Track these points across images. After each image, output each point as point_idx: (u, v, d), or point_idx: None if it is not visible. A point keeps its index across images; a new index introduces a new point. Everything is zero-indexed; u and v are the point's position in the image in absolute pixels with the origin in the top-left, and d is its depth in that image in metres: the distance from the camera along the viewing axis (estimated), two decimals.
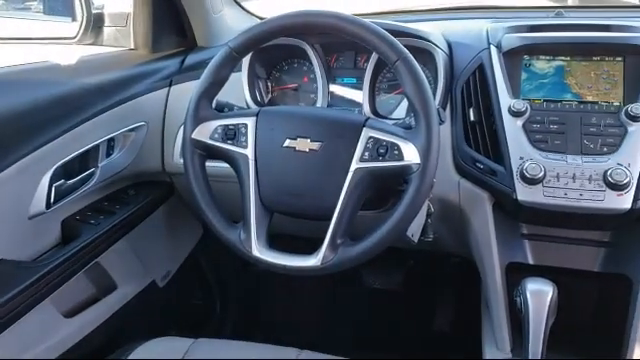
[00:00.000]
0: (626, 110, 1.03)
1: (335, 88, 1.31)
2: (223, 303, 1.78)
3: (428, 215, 1.08)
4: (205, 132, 1.02)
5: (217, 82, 1.02)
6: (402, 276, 1.77)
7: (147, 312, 1.49)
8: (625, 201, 0.98)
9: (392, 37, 0.93)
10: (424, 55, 1.19)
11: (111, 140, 1.29)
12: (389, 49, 0.92)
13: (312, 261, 0.93)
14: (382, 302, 1.81)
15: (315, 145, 0.95)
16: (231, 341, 1.09)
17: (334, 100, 1.31)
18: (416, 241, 1.06)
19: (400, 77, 0.92)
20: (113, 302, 1.32)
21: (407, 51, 0.93)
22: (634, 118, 1.02)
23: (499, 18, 1.39)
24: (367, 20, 0.95)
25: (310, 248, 0.95)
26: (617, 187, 0.98)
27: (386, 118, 1.23)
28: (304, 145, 0.96)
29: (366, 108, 1.23)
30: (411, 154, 0.90)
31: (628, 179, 0.98)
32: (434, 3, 1.70)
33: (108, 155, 1.29)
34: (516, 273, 1.01)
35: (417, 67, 0.92)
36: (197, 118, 1.02)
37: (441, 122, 1.07)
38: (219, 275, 1.77)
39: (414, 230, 1.06)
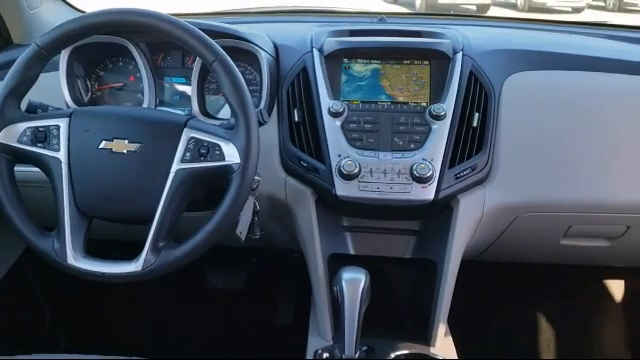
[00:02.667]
0: (429, 110, 1.14)
1: (164, 87, 1.29)
2: (54, 316, 1.67)
3: (255, 213, 1.10)
4: (12, 135, 0.95)
5: (24, 82, 0.96)
6: (246, 275, 1.79)
7: None
8: (429, 193, 1.09)
9: (208, 38, 0.93)
10: (250, 57, 1.21)
11: None
12: (205, 50, 0.93)
13: (132, 266, 0.91)
14: (226, 302, 1.81)
15: (133, 146, 0.93)
16: (53, 355, 1.03)
17: (164, 100, 1.29)
18: (243, 239, 1.08)
19: (218, 78, 0.93)
20: None
21: (224, 52, 0.94)
22: (436, 117, 1.13)
23: (328, 22, 1.46)
24: (184, 20, 0.95)
25: (136, 253, 0.93)
26: (422, 180, 1.08)
27: (215, 118, 1.24)
28: (121, 147, 0.93)
29: (195, 108, 1.22)
30: (232, 154, 0.92)
31: (431, 172, 1.08)
32: (267, 5, 1.73)
33: None
34: (338, 264, 1.07)
35: (234, 68, 0.93)
36: (3, 120, 0.95)
37: (263, 122, 1.10)
38: (48, 286, 1.66)
39: (242, 228, 1.08)
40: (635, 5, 11.78)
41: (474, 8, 11.54)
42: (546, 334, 1.76)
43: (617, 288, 1.76)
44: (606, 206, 1.18)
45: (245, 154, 0.91)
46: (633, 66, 1.26)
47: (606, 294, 1.77)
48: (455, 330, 1.13)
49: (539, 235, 1.27)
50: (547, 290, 1.77)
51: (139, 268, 0.91)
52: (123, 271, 0.92)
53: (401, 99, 1.19)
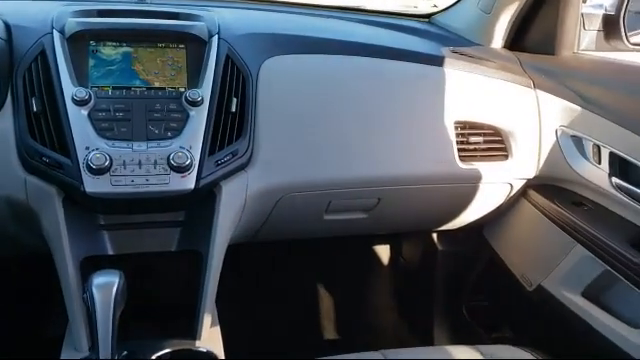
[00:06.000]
0: (186, 96, 1.09)
1: None
2: None
3: None
4: None
5: None
6: (4, 287, 1.59)
7: None
8: (189, 182, 1.05)
9: None
10: None
11: None
12: None
13: None
14: None
15: None
16: None
17: None
18: None
19: None
20: None
21: None
22: (193, 103, 1.09)
23: (78, 1, 1.32)
24: None
25: None
26: (180, 169, 1.03)
27: None
28: None
29: None
30: None
31: (190, 161, 1.04)
32: None
33: None
34: (94, 267, 0.98)
35: None
36: None
37: None
38: None
39: None
40: None
41: None
42: (325, 303, 1.87)
43: (384, 252, 1.93)
44: (359, 182, 1.27)
45: None
46: (385, 51, 1.35)
47: (375, 259, 1.93)
48: (225, 319, 1.12)
49: (304, 213, 1.32)
50: (320, 263, 1.87)
51: None
52: None
53: (157, 84, 1.13)
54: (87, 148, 1.01)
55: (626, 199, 1.17)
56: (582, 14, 1.45)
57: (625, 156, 1.16)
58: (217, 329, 1.09)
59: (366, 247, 1.91)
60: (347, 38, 1.38)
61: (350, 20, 1.63)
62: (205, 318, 1.05)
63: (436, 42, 1.51)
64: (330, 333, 1.84)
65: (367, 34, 1.50)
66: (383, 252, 1.94)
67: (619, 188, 1.19)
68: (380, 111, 1.28)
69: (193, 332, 1.05)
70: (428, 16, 1.76)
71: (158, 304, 1.12)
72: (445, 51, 1.43)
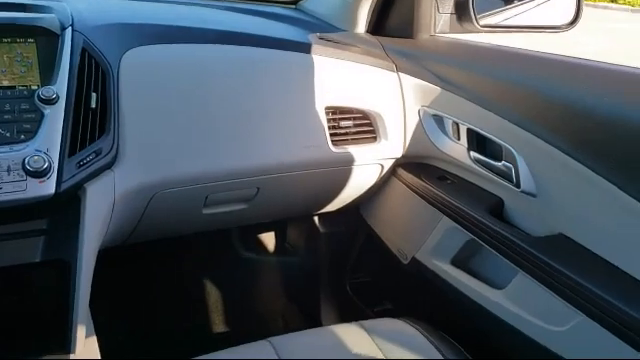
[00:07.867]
0: (38, 94, 1.02)
1: None
2: None
3: None
4: None
5: None
6: None
7: None
8: (48, 187, 0.97)
9: None
10: None
11: None
12: None
13: None
14: None
15: None
16: None
17: None
18: None
19: None
20: None
21: None
22: (47, 101, 1.01)
23: None
24: None
25: None
26: (38, 174, 0.96)
27: None
28: None
29: None
30: None
31: (48, 164, 0.97)
32: None
33: None
34: None
35: None
36: None
37: None
38: None
39: None
40: None
41: None
42: (212, 297, 1.85)
43: (269, 240, 1.94)
44: (235, 173, 1.26)
45: None
46: (252, 38, 1.34)
47: (261, 247, 1.93)
48: (103, 327, 1.07)
49: (181, 209, 1.29)
50: (205, 257, 1.85)
51: None
52: None
53: (6, 83, 1.04)
54: None
55: (484, 171, 1.26)
56: None
57: (480, 131, 1.25)
58: (93, 339, 1.04)
59: (251, 236, 1.90)
60: (212, 26, 1.36)
61: (215, 7, 1.60)
62: (79, 329, 0.99)
63: (303, 28, 1.52)
64: (219, 326, 1.83)
65: (233, 21, 1.48)
66: (268, 240, 1.94)
67: (477, 161, 1.28)
68: (250, 100, 1.28)
69: (67, 345, 0.99)
70: (294, 2, 1.77)
71: (26, 320, 1.04)
72: (312, 37, 1.45)
